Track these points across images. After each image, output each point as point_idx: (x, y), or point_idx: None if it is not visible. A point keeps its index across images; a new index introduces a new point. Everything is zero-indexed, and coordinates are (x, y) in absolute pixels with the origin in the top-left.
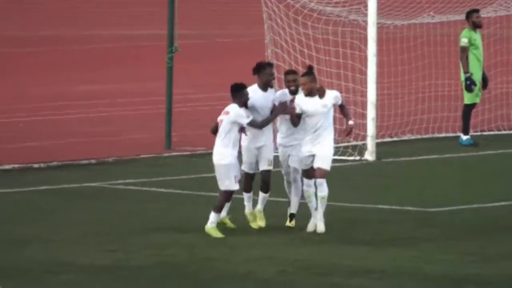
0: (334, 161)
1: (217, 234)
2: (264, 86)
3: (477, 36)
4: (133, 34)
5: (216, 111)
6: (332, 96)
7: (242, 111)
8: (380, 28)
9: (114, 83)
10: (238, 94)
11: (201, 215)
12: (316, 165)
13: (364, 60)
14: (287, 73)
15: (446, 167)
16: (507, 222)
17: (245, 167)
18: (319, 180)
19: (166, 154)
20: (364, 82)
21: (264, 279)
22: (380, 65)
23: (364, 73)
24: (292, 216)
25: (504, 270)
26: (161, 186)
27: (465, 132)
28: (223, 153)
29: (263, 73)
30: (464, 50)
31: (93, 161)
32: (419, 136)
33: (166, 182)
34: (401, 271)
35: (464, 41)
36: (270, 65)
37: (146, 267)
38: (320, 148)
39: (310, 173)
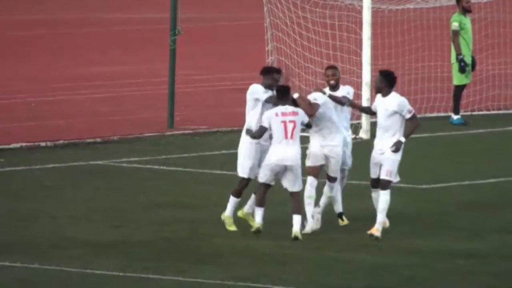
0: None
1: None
2: (267, 88)
3: (466, 21)
4: (138, 17)
5: (217, 92)
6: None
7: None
8: (375, 12)
9: (119, 65)
10: (285, 96)
11: (202, 193)
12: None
13: (359, 43)
14: (327, 68)
15: (438, 145)
16: (496, 199)
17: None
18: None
19: (169, 133)
20: (359, 64)
21: (262, 253)
22: (374, 47)
23: (359, 55)
24: (341, 214)
25: (494, 244)
26: (164, 164)
27: (456, 112)
28: (297, 154)
29: (269, 77)
30: (456, 34)
31: (98, 139)
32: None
33: (169, 160)
34: (394, 245)
35: (455, 25)
36: (278, 71)
37: (149, 242)
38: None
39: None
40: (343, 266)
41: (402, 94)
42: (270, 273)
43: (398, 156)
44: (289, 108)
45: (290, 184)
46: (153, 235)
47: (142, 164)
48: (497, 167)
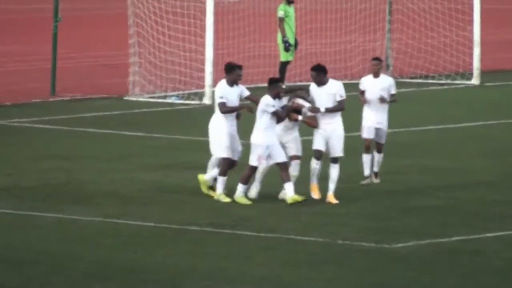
0: (181, 104)
1: (246, 201)
2: (231, 84)
3: (290, 9)
4: (26, 8)
5: (90, 67)
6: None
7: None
8: (217, 2)
9: (12, 45)
10: (272, 86)
11: (77, 147)
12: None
13: (204, 28)
14: (372, 59)
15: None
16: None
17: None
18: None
19: (52, 99)
20: (203, 45)
21: (126, 195)
22: (216, 31)
23: (203, 37)
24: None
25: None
26: (47, 123)
27: (281, 82)
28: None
29: (233, 73)
30: (281, 20)
31: None
32: (246, 86)
33: (52, 121)
34: (233, 189)
35: (281, 13)
36: (239, 67)
37: (34, 187)
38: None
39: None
40: (192, 206)
41: (248, 67)
42: (132, 212)
43: None
44: None
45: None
46: (38, 181)
47: (30, 124)
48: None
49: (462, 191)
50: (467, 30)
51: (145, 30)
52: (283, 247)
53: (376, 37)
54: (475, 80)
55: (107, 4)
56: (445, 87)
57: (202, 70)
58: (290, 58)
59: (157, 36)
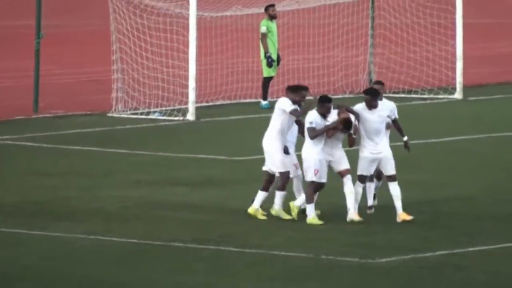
0: (164, 120)
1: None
2: (294, 103)
3: (273, 25)
4: (10, 24)
5: (73, 83)
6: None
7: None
8: (199, 18)
9: None
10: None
11: (61, 164)
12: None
13: (186, 43)
14: (374, 82)
15: (250, 125)
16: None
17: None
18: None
19: (35, 116)
20: (186, 60)
21: (110, 212)
22: (199, 47)
23: (186, 53)
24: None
25: None
26: (30, 141)
27: (264, 98)
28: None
29: (299, 93)
30: (264, 35)
31: None
32: (228, 101)
33: (34, 138)
34: (216, 207)
35: (263, 28)
36: (306, 89)
37: (18, 204)
38: None
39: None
40: (176, 223)
41: (221, 84)
42: (115, 228)
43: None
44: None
45: None
46: (22, 198)
47: (13, 141)
48: None
49: (445, 205)
50: (450, 45)
51: (128, 46)
52: (268, 263)
53: (359, 52)
54: (458, 95)
55: (89, 20)
56: (428, 101)
57: (185, 86)
58: (272, 74)
59: (140, 52)
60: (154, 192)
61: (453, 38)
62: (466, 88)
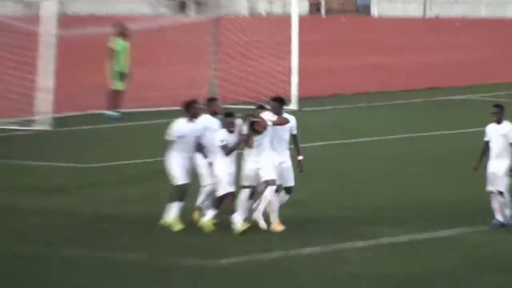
0: (20, 130)
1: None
2: (192, 117)
3: (124, 43)
4: None
5: None
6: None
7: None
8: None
9: None
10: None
11: None
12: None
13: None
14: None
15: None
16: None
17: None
18: None
19: None
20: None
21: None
22: (57, 61)
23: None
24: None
25: None
26: None
27: (113, 109)
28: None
29: (192, 107)
30: (114, 52)
31: None
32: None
33: None
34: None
35: (113, 45)
36: (197, 102)
37: None
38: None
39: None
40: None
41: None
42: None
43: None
44: None
45: None
46: None
47: None
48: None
49: (284, 209)
50: (286, 60)
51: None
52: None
53: (202, 68)
54: (293, 106)
55: None
56: None
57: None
58: (121, 88)
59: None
60: (87, 200)
61: (289, 53)
62: (301, 100)
